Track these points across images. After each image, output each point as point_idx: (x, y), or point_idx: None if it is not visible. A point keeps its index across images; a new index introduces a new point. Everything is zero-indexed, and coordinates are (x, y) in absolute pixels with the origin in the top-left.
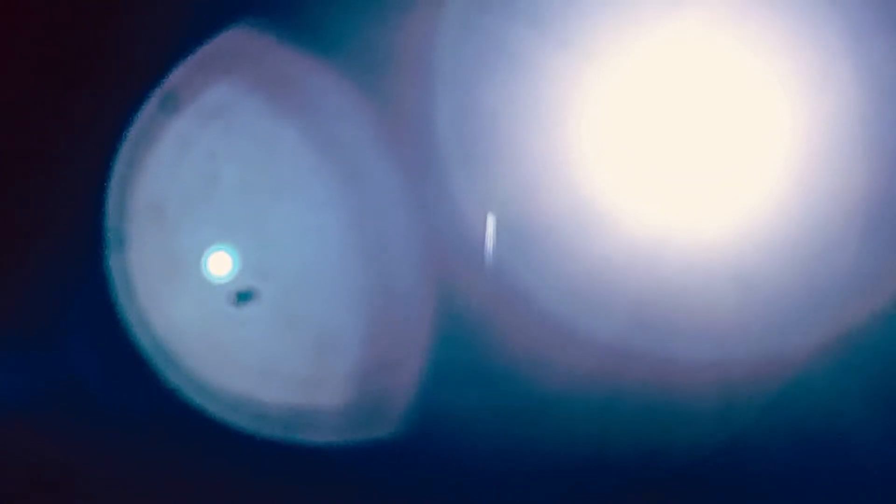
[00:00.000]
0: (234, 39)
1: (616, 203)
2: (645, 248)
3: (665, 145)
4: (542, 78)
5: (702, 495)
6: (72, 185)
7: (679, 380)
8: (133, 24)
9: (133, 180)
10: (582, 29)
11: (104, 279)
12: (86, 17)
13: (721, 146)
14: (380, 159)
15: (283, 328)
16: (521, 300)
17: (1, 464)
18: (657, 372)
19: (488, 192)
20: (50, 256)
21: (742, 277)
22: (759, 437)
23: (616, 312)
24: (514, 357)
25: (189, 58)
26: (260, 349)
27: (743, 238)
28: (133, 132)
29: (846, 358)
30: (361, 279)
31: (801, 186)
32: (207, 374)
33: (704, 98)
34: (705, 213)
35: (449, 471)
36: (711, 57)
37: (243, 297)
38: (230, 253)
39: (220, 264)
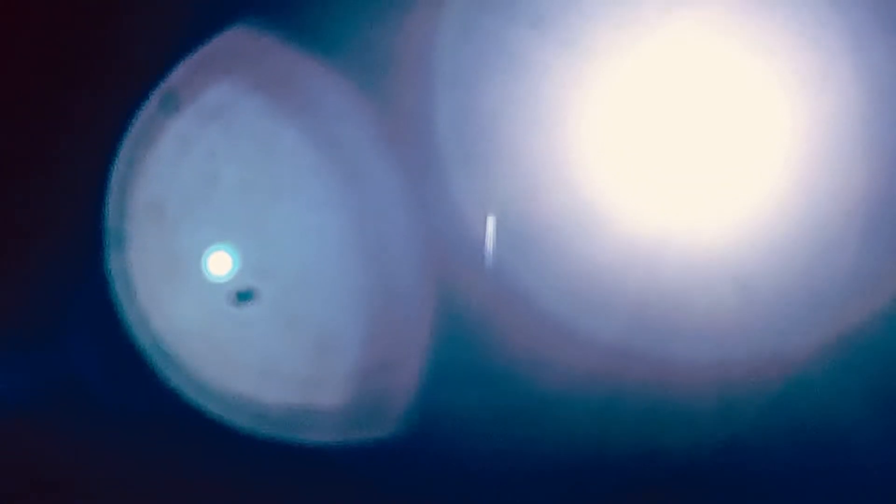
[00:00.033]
0: (234, 40)
1: (616, 203)
2: (645, 248)
3: (665, 145)
4: (542, 78)
5: (702, 495)
6: (72, 185)
7: (679, 380)
8: (133, 24)
9: (133, 180)
10: (582, 29)
11: (104, 279)
12: (86, 17)
13: (721, 146)
14: (380, 159)
15: (283, 328)
16: (520, 300)
17: (1, 463)
18: (657, 372)
19: (488, 193)
20: (50, 256)
21: (742, 277)
22: (759, 437)
23: (616, 312)
24: (514, 357)
25: (189, 58)
26: (260, 349)
27: (743, 238)
28: (133, 132)
29: (846, 358)
30: (361, 279)
31: (801, 186)
32: (207, 373)
33: (704, 98)
34: (705, 214)
35: (449, 471)
36: (711, 57)
37: (243, 296)
38: (230, 253)
39: (220, 264)
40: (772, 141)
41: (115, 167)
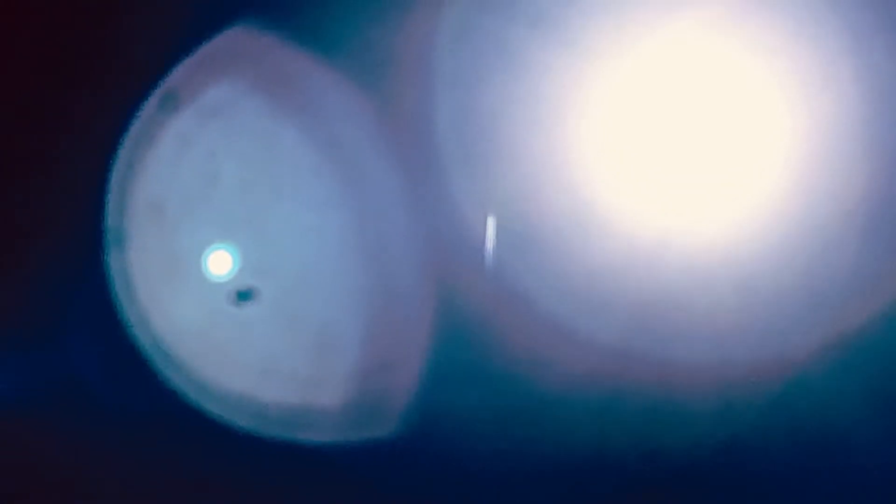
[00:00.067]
0: (234, 39)
1: (616, 204)
2: (645, 248)
3: (665, 146)
4: (542, 78)
5: (702, 495)
6: (72, 185)
7: (679, 380)
8: (133, 24)
9: (133, 179)
10: (582, 29)
11: (104, 278)
12: (86, 17)
13: (721, 147)
14: (380, 159)
15: (283, 327)
16: (520, 301)
17: (1, 463)
18: (657, 372)
19: (488, 193)
20: (50, 256)
21: (742, 278)
22: (759, 438)
23: (616, 313)
24: (514, 357)
25: (189, 57)
26: (260, 348)
27: (743, 239)
28: (133, 131)
29: (846, 358)
30: (361, 279)
31: (801, 187)
32: (207, 373)
33: (704, 99)
34: (705, 214)
35: (449, 471)
36: (711, 58)
37: (243, 296)
38: (230, 252)
39: (220, 263)
40: (772, 141)
41: (115, 167)
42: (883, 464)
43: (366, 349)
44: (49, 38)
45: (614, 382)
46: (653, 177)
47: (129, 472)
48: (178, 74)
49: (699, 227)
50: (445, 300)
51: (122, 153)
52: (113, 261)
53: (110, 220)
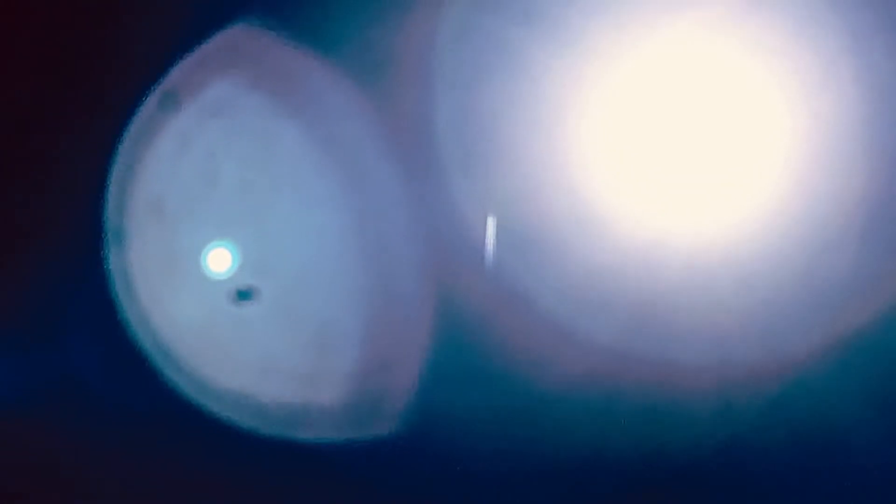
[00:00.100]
0: (234, 38)
1: (616, 204)
2: (644, 249)
3: (665, 147)
4: (542, 78)
5: (702, 495)
6: (72, 185)
7: (679, 381)
8: (133, 24)
9: (133, 178)
10: (582, 29)
11: (104, 277)
12: (86, 17)
13: (721, 147)
14: (380, 159)
15: (283, 326)
16: (520, 301)
17: (1, 462)
18: (657, 373)
19: (488, 193)
20: (50, 256)
21: (742, 278)
22: (759, 438)
23: (616, 313)
24: (514, 357)
25: (189, 56)
26: (260, 347)
27: (743, 239)
28: (133, 130)
29: (846, 359)
30: (361, 278)
31: (801, 187)
32: (207, 372)
33: (704, 99)
34: (705, 215)
35: (449, 471)
36: (711, 58)
37: (243, 295)
38: (230, 249)
39: (220, 260)
40: (772, 142)
41: (115, 165)
42: (883, 464)
43: (365, 348)
44: (49, 38)
45: (614, 382)
46: (653, 177)
47: (128, 471)
48: (178, 73)
49: (699, 227)
50: (445, 300)
51: (122, 152)
52: (113, 260)
53: (110, 218)
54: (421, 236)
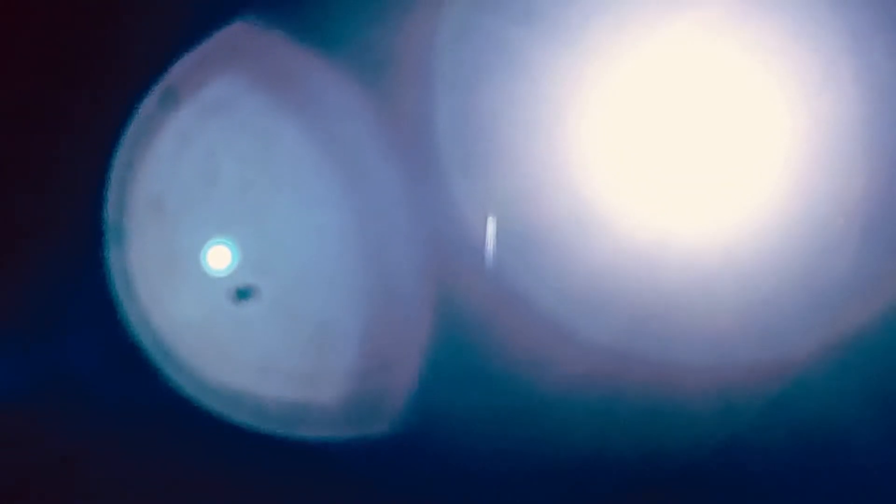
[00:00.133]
0: (235, 36)
1: (616, 205)
2: (645, 249)
3: (665, 147)
4: (542, 79)
5: (702, 495)
6: (72, 185)
7: (679, 381)
8: (133, 23)
9: (133, 176)
10: (582, 30)
11: (104, 276)
12: (86, 17)
13: (721, 148)
14: (380, 159)
15: (283, 325)
16: (520, 301)
17: (1, 460)
18: (657, 373)
19: (488, 194)
20: (50, 254)
21: (742, 278)
22: (759, 438)
23: (616, 313)
24: (514, 357)
25: (189, 54)
26: (259, 346)
27: (743, 239)
28: (133, 129)
29: (846, 359)
30: (361, 278)
31: (801, 188)
32: (207, 370)
33: (704, 99)
34: (705, 215)
35: (449, 471)
36: (711, 58)
37: (243, 294)
38: (230, 247)
39: (220, 258)
40: (772, 142)
41: (115, 164)
42: (883, 464)
43: (365, 348)
44: (49, 38)
45: (614, 383)
46: (653, 177)
47: (128, 470)
48: (178, 71)
49: (699, 227)
50: (445, 300)
51: (122, 150)
52: (113, 258)
53: (110, 217)
54: (421, 236)
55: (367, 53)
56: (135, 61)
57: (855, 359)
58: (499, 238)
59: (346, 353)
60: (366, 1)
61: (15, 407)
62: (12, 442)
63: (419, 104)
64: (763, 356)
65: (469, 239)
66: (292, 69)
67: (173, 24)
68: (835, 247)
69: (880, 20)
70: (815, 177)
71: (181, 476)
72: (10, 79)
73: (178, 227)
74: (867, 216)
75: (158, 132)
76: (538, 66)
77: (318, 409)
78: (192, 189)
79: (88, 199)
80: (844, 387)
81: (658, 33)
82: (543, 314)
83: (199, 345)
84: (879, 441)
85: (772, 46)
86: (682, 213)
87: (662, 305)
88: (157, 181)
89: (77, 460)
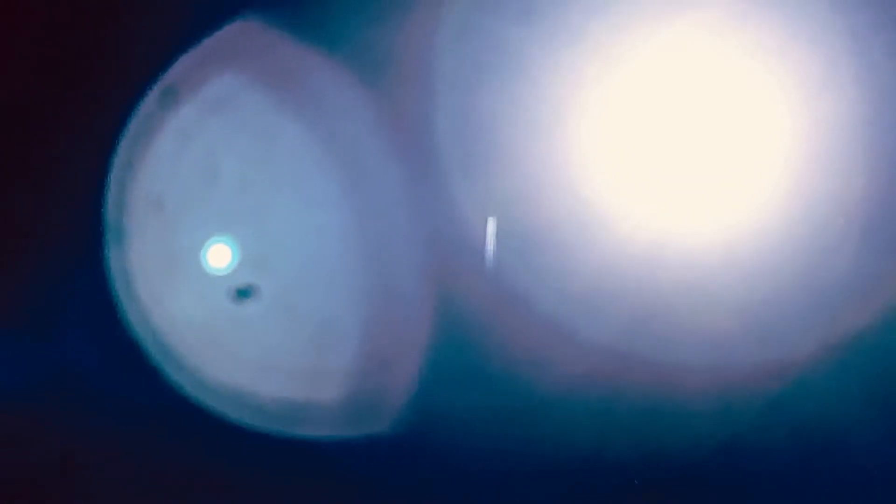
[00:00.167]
0: (235, 34)
1: (616, 205)
2: (645, 250)
3: (665, 148)
4: (542, 79)
5: (702, 496)
6: (72, 185)
7: (679, 381)
8: (133, 23)
9: (133, 176)
10: (582, 30)
11: (104, 275)
12: (86, 17)
13: (721, 148)
14: (380, 158)
15: (283, 324)
16: (520, 301)
17: (1, 459)
18: (657, 373)
19: (488, 193)
20: (50, 253)
21: (742, 278)
22: (759, 438)
23: (616, 314)
24: (514, 358)
25: (189, 53)
26: (259, 344)
27: (743, 239)
28: (132, 127)
29: (846, 359)
30: (361, 277)
31: (801, 188)
32: (206, 368)
33: (704, 100)
34: (705, 216)
35: (448, 471)
36: (711, 58)
37: (243, 293)
38: (230, 245)
39: (220, 257)
40: (772, 142)
41: (115, 164)
42: (883, 464)
43: (365, 347)
44: (49, 38)
45: (614, 383)
46: (653, 177)
47: (128, 468)
48: (178, 70)
49: (699, 228)
50: (445, 300)
51: (122, 149)
52: (112, 257)
53: (110, 216)
54: (421, 236)
55: (367, 53)
56: (135, 61)
57: (855, 359)
58: (499, 238)
59: (346, 353)
60: (366, 1)
61: (15, 406)
62: (12, 442)
63: (419, 104)
64: (763, 356)
65: (469, 239)
66: (292, 68)
67: (173, 24)
68: (835, 247)
69: (880, 20)
70: (815, 177)
71: (181, 475)
72: (10, 79)
73: (178, 227)
74: (867, 216)
75: (158, 131)
76: (538, 66)
77: (318, 408)
78: (192, 188)
79: (88, 198)
80: (844, 387)
81: (658, 34)
82: (543, 314)
83: (199, 344)
84: (879, 441)
85: (772, 47)
86: (682, 213)
87: (662, 305)
88: (157, 180)
89: (77, 460)
